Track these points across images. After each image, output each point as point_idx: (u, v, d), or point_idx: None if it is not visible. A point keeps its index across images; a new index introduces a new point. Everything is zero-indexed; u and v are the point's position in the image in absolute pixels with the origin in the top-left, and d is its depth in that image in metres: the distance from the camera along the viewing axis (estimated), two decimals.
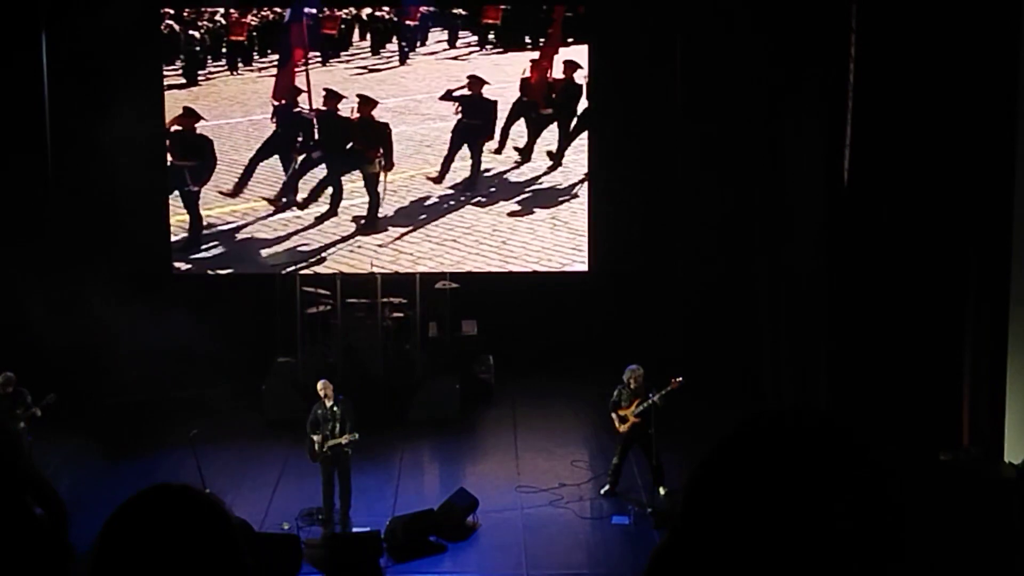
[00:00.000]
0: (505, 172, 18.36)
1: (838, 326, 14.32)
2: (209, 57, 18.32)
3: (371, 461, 15.15)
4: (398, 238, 17.95)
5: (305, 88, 17.98)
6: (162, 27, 18.14)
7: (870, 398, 13.60)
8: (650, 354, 15.73)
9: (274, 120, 18.03)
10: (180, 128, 17.88)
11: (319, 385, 14.00)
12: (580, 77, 18.08)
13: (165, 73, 18.04)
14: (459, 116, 18.06)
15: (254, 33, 18.46)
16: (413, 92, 18.29)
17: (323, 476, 13.96)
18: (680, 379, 14.03)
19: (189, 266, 18.04)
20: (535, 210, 18.21)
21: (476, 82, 18.05)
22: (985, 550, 11.84)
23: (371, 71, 18.49)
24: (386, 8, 18.42)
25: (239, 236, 18.07)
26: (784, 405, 15.06)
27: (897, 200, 13.50)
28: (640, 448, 14.37)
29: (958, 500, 12.07)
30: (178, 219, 18.02)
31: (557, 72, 18.12)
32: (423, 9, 18.31)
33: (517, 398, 17.65)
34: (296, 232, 18.03)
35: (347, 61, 18.46)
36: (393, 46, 18.51)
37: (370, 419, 14.90)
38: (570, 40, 18.24)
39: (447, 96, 18.03)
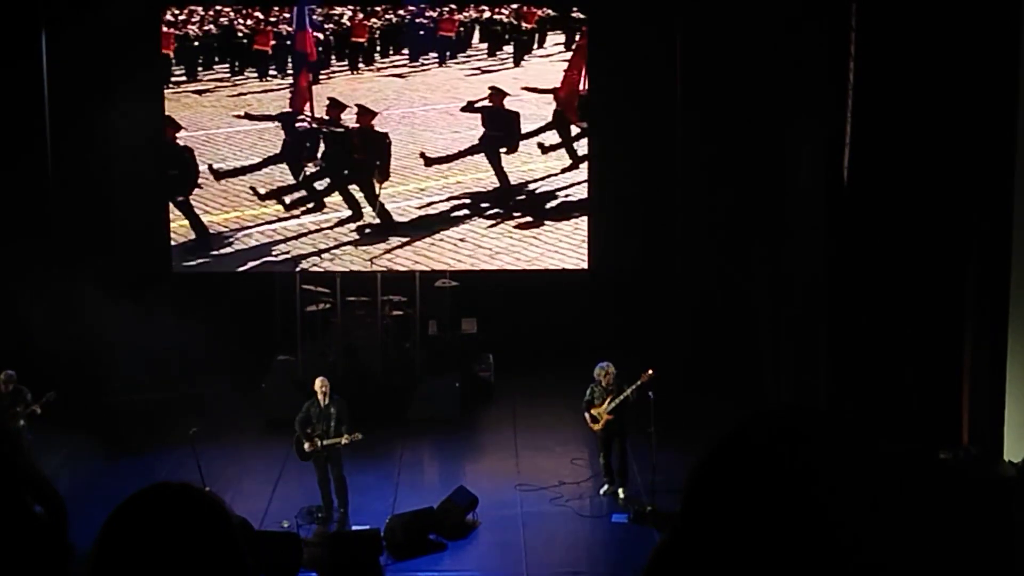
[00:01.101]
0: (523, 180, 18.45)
1: (838, 325, 14.31)
2: (333, 56, 18.50)
3: (371, 459, 15.16)
4: (401, 245, 17.93)
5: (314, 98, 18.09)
6: (273, 29, 18.35)
7: (869, 397, 13.60)
8: (650, 352, 15.74)
9: (283, 128, 18.09)
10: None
11: (317, 383, 13.99)
12: None
13: (174, 73, 18.07)
14: (483, 128, 18.07)
15: (376, 35, 18.57)
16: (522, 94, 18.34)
17: (318, 474, 13.97)
18: (651, 372, 14.04)
19: (189, 264, 18.05)
20: (537, 211, 18.23)
21: (497, 93, 18.04)
22: (985, 549, 11.85)
23: (484, 72, 18.56)
24: (505, 11, 18.49)
25: (240, 240, 18.09)
26: (784, 404, 15.06)
27: (897, 199, 13.50)
28: (618, 445, 14.37)
29: (958, 499, 12.07)
30: (180, 224, 18.04)
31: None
32: (540, 12, 18.35)
33: (517, 396, 17.65)
34: (298, 236, 18.07)
35: (464, 63, 18.57)
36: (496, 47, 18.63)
37: (370, 417, 14.91)
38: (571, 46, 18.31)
39: (469, 108, 18.03)
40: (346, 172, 18.02)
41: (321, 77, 18.34)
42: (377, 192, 17.92)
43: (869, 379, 13.80)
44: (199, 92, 18.33)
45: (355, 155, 17.96)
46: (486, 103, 18.04)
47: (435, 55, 18.48)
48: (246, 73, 18.49)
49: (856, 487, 1.87)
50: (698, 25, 17.14)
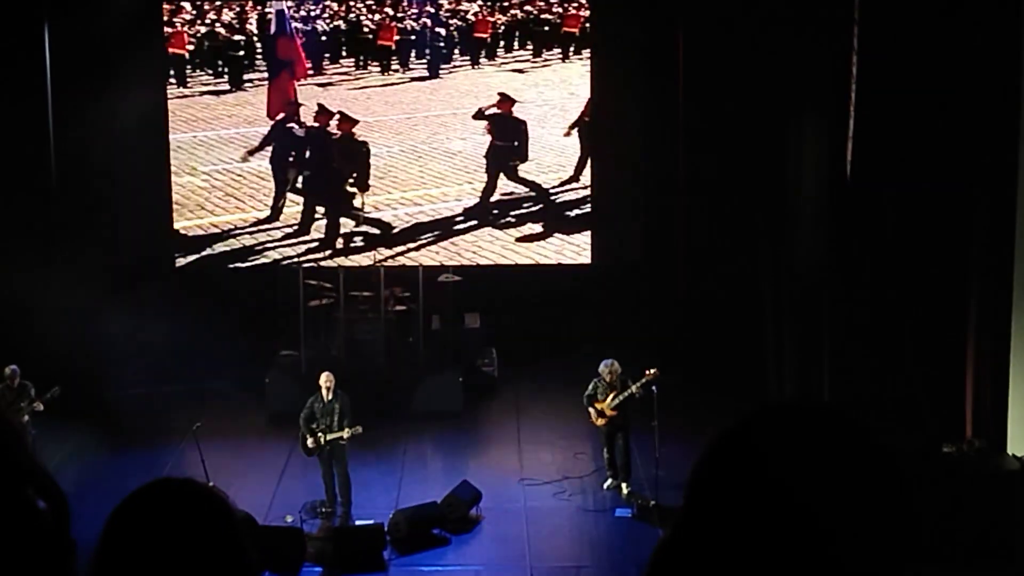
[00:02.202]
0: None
1: (841, 319, 14.31)
2: (456, 51, 18.64)
3: (374, 454, 15.16)
4: (406, 252, 17.92)
5: (304, 103, 18.10)
6: (408, 25, 18.44)
7: (873, 390, 13.60)
8: (652, 347, 15.75)
9: (273, 134, 18.08)
10: None
11: (322, 378, 13.98)
12: None
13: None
14: (491, 138, 18.00)
15: (499, 31, 18.64)
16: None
17: (322, 469, 13.98)
18: (655, 370, 14.04)
19: (192, 260, 18.07)
20: (543, 218, 18.24)
21: (506, 100, 17.94)
22: (988, 542, 11.85)
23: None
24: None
25: (243, 238, 18.10)
26: (787, 397, 15.06)
27: (900, 193, 13.50)
28: (621, 440, 14.37)
29: (961, 493, 12.08)
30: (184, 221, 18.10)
31: None
32: None
33: (520, 391, 17.64)
34: (302, 243, 18.13)
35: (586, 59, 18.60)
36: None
37: (373, 412, 14.91)
38: (571, 47, 18.29)
39: (479, 115, 17.97)
40: (327, 180, 17.97)
41: (442, 71, 18.47)
42: (359, 203, 17.83)
43: (872, 373, 13.80)
44: (322, 85, 18.40)
45: (334, 164, 17.91)
46: (495, 110, 17.95)
47: (559, 51, 18.45)
48: (369, 67, 18.62)
49: (859, 482, 1.87)
50: (700, 19, 17.11)
